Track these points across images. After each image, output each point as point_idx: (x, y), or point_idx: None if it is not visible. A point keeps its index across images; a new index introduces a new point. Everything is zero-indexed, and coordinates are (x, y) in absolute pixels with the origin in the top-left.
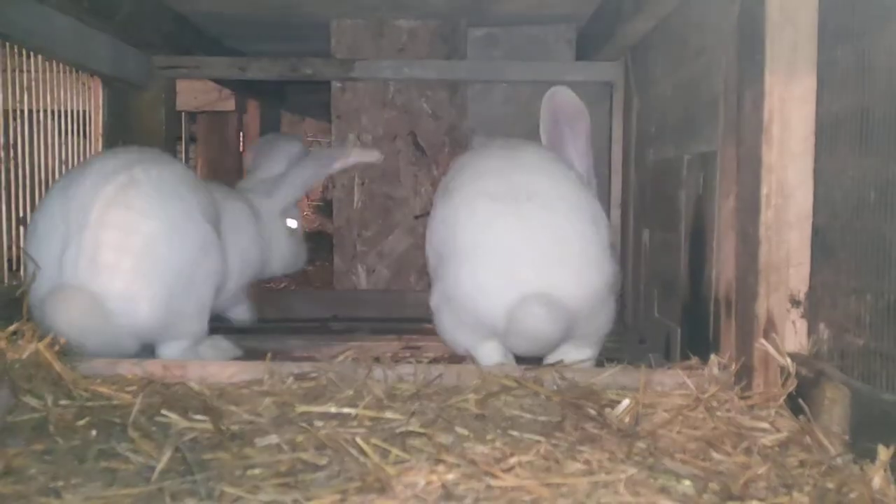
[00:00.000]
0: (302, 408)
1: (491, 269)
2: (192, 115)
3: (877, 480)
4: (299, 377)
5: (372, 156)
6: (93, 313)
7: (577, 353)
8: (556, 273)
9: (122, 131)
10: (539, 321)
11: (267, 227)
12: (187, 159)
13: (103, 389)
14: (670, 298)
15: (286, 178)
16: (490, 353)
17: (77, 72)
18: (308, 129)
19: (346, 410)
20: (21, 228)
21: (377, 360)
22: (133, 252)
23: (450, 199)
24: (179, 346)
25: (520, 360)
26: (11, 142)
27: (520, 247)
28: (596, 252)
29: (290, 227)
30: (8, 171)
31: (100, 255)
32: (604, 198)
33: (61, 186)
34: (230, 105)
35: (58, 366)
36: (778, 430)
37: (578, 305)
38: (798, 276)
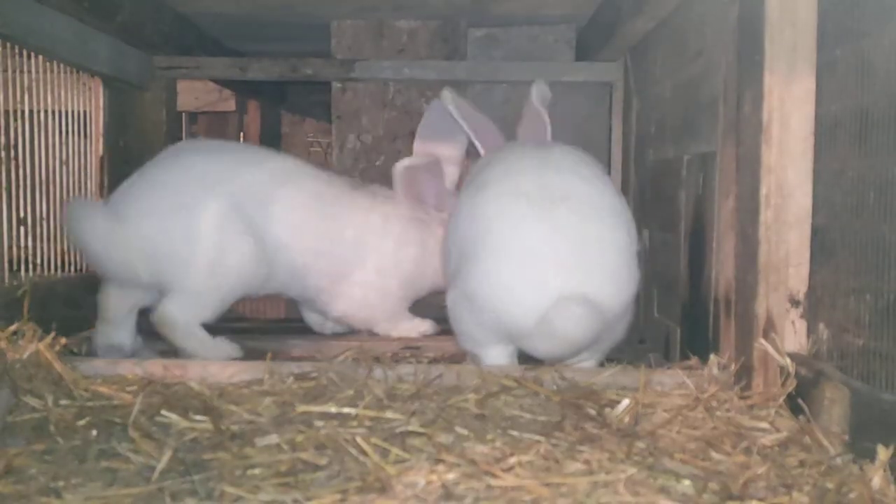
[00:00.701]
0: (302, 407)
1: (518, 271)
2: (192, 116)
3: (876, 480)
4: (299, 377)
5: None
6: (103, 222)
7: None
8: (587, 279)
9: (123, 132)
10: (575, 322)
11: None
12: None
13: (104, 389)
14: (670, 298)
15: None
16: (498, 356)
17: (77, 72)
18: (308, 129)
19: (346, 410)
20: (21, 229)
21: (377, 360)
22: (153, 189)
23: (479, 196)
24: (183, 303)
25: (520, 361)
26: (12, 142)
27: (550, 250)
28: (627, 260)
29: None
30: (8, 171)
31: (125, 184)
32: None
33: None
34: (230, 105)
35: (58, 366)
36: (777, 430)
37: (608, 314)
38: (797, 276)
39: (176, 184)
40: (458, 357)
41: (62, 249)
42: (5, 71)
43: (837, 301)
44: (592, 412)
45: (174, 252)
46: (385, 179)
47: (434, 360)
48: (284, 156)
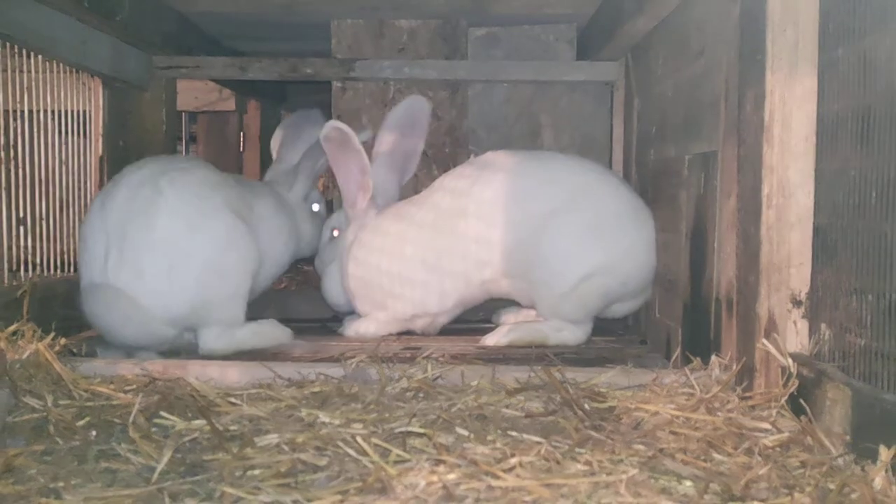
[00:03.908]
0: (302, 408)
1: None
2: (192, 115)
3: (878, 481)
4: (300, 378)
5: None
6: (130, 311)
7: None
8: None
9: (123, 131)
10: None
11: (295, 215)
12: None
13: (103, 389)
14: (671, 298)
15: (301, 168)
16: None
17: (77, 72)
18: None
19: (346, 410)
20: (21, 229)
21: (377, 360)
22: (162, 255)
23: None
24: (216, 332)
25: (523, 358)
26: (12, 142)
27: None
28: None
29: (314, 211)
30: (8, 171)
31: (134, 260)
32: None
33: (100, 200)
34: (230, 105)
35: (58, 366)
36: (779, 431)
37: None
38: (799, 276)
39: (178, 237)
40: (459, 357)
41: (62, 249)
42: (5, 71)
43: (839, 301)
44: (594, 413)
45: (207, 302)
46: None
47: (434, 361)
48: None
